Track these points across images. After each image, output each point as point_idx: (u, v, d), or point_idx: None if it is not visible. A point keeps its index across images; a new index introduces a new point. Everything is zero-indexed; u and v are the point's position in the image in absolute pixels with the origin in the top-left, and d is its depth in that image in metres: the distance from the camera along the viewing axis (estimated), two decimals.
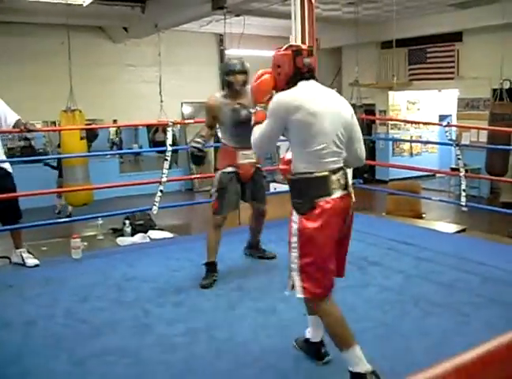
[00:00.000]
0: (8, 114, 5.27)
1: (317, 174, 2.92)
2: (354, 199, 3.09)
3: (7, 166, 5.33)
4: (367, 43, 14.01)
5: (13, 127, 5.30)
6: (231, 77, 4.76)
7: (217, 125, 5.03)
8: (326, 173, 2.92)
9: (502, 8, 10.08)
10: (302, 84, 3.05)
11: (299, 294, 2.98)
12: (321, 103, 2.97)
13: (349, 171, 3.27)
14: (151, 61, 13.41)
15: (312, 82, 3.09)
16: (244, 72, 4.77)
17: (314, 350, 3.35)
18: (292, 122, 2.93)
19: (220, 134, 5.18)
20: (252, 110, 3.47)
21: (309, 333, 3.40)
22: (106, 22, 12.89)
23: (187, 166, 14.45)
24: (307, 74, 3.09)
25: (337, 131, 2.97)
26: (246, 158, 4.88)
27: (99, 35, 13.65)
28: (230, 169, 4.87)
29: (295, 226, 2.96)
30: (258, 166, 5.06)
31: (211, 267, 4.77)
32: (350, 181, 3.08)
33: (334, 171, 2.95)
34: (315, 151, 2.91)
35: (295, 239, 2.96)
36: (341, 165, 3.02)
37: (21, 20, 11.62)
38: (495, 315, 3.89)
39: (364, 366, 2.89)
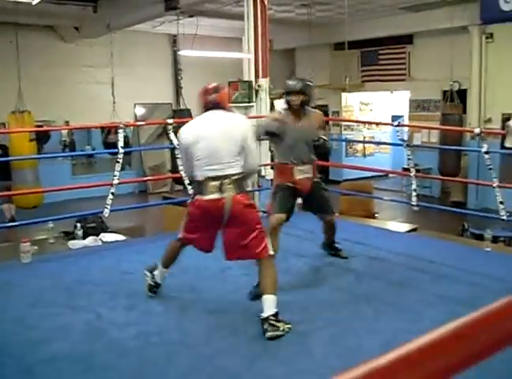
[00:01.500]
0: None
1: (197, 179, 3.98)
2: (236, 202, 3.87)
3: None
4: (320, 44, 14.14)
5: None
6: (288, 97, 4.97)
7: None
8: (203, 179, 3.90)
9: (451, 12, 10.30)
10: (206, 114, 4.08)
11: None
12: (209, 128, 3.97)
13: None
14: (103, 61, 13.22)
15: (215, 112, 4.04)
16: (299, 92, 4.89)
17: None
18: (183, 144, 4.10)
19: (275, 150, 5.40)
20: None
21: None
22: (57, 21, 12.64)
23: (141, 168, 14.32)
24: (210, 106, 4.06)
25: (221, 148, 3.89)
26: (302, 173, 5.01)
27: (50, 35, 13.38)
28: (287, 184, 5.00)
29: None
30: (316, 180, 5.17)
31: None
32: (248, 187, 4.38)
33: (213, 178, 3.86)
34: (197, 163, 3.94)
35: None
36: (225, 173, 3.86)
37: None
38: (444, 312, 3.95)
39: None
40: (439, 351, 0.77)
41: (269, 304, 3.74)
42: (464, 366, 0.78)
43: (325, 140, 4.93)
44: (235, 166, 3.90)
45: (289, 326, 3.72)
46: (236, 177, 3.89)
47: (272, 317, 3.68)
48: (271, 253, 3.94)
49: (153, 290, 4.41)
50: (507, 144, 5.74)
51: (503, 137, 8.24)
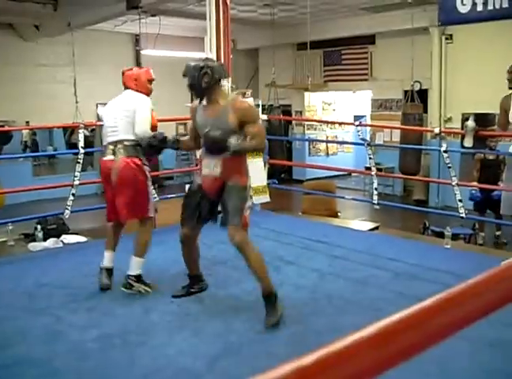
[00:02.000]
0: None
1: (103, 144, 4.75)
2: (121, 162, 4.49)
3: None
4: (283, 44, 14.20)
5: None
6: None
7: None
8: (105, 144, 4.65)
9: (412, 13, 10.45)
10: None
11: None
12: (112, 104, 4.78)
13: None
14: (65, 60, 13.07)
15: (124, 91, 4.80)
16: (184, 76, 4.14)
17: None
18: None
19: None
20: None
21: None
22: (16, 19, 12.43)
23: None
24: (124, 87, 4.81)
25: (117, 118, 4.60)
26: (207, 169, 4.12)
27: (9, 33, 13.15)
28: (198, 182, 4.26)
29: None
30: (231, 183, 4.02)
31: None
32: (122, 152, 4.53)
33: (110, 143, 4.59)
34: (103, 131, 4.77)
35: None
36: (118, 139, 4.54)
37: None
38: (404, 309, 3.99)
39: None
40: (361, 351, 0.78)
41: (133, 265, 4.46)
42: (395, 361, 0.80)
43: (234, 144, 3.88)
44: (126, 134, 4.53)
45: (147, 289, 4.44)
46: (127, 143, 4.53)
47: (132, 277, 4.42)
48: (150, 215, 4.60)
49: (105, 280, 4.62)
50: (465, 144, 5.84)
51: (463, 137, 8.39)
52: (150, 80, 4.87)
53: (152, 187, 4.98)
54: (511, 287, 0.98)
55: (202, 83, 4.00)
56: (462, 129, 9.59)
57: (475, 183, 8.09)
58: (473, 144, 5.82)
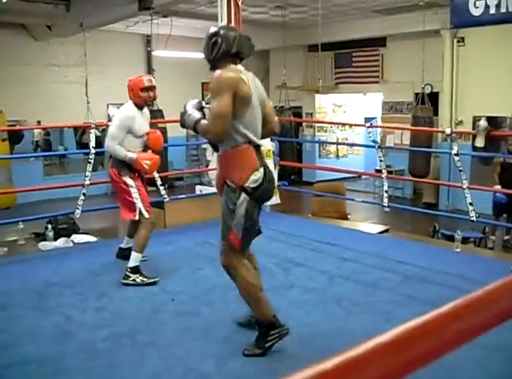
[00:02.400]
0: None
1: None
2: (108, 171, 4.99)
3: None
4: (294, 46, 14.19)
5: None
6: None
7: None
8: None
9: (423, 16, 10.41)
10: None
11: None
12: None
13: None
14: (76, 61, 13.13)
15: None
16: None
17: None
18: None
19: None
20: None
21: None
22: (28, 20, 12.49)
23: None
24: None
25: None
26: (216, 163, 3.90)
27: (22, 33, 13.23)
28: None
29: None
30: (229, 182, 3.40)
31: None
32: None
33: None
34: None
35: None
36: None
37: None
38: (413, 312, 3.93)
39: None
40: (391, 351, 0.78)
41: (131, 258, 4.75)
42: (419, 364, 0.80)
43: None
44: None
45: (144, 279, 4.69)
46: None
47: (129, 269, 4.71)
48: (136, 217, 4.86)
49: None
50: (477, 144, 5.80)
51: (474, 139, 8.34)
52: (144, 89, 4.92)
53: (138, 191, 4.90)
54: None
55: (212, 53, 3.43)
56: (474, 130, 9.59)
57: (498, 187, 8.02)
58: (485, 144, 5.78)
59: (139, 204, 4.85)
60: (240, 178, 3.30)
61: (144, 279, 4.72)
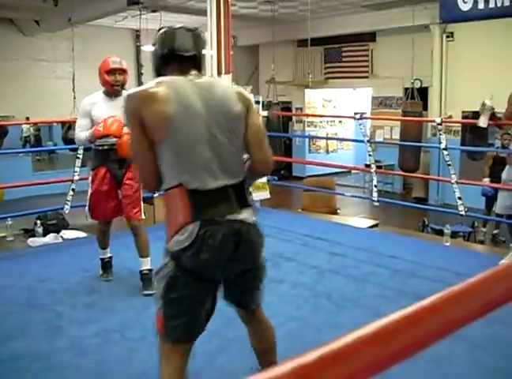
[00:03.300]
0: None
1: None
2: None
3: None
4: (283, 41, 14.18)
5: None
6: None
7: None
8: None
9: (413, 11, 10.43)
10: None
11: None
12: None
13: None
14: (64, 56, 13.06)
15: None
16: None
17: None
18: None
19: None
20: None
21: None
22: (16, 14, 12.41)
23: None
24: None
25: None
26: None
27: (9, 28, 13.13)
28: None
29: None
30: None
31: None
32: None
33: None
34: None
35: None
36: None
37: None
38: (403, 306, 4.00)
39: None
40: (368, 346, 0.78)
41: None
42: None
43: None
44: None
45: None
46: None
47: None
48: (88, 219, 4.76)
49: None
50: (480, 124, 5.76)
51: (464, 132, 8.38)
52: (109, 71, 4.40)
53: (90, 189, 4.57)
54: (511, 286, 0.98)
55: (153, 65, 2.50)
56: (463, 125, 9.64)
57: (486, 180, 8.04)
58: (488, 125, 5.73)
59: (86, 207, 4.62)
60: (169, 235, 2.33)
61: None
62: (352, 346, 0.74)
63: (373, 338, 0.77)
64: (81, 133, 4.34)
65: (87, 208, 4.58)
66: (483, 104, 5.72)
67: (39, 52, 13.40)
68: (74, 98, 10.64)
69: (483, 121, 5.69)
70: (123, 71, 4.44)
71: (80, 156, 6.07)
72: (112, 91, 4.42)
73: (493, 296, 0.93)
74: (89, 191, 4.53)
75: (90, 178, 4.53)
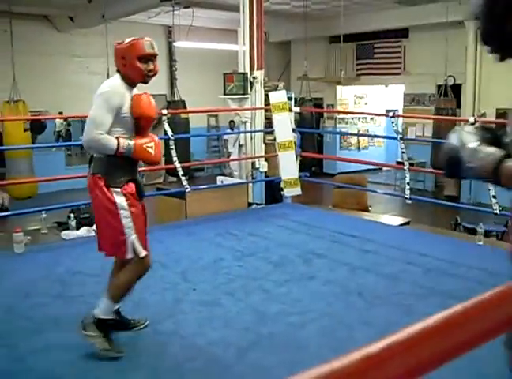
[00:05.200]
0: None
1: None
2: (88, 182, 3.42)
3: None
4: (315, 37, 14.12)
5: None
6: None
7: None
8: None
9: (446, 6, 10.30)
10: None
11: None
12: None
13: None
14: (98, 52, 13.14)
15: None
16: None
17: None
18: None
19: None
20: None
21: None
22: (51, 11, 12.59)
23: None
24: None
25: None
26: None
27: (44, 24, 13.31)
28: None
29: None
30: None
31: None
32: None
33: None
34: None
35: None
36: None
37: None
38: (435, 305, 3.97)
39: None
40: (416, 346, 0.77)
41: (101, 306, 3.40)
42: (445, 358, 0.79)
43: None
44: None
45: (105, 346, 3.29)
46: (96, 155, 3.35)
47: (93, 319, 3.35)
48: (128, 256, 3.35)
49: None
50: None
51: (498, 129, 8.19)
52: (142, 57, 3.41)
53: (130, 215, 3.34)
54: None
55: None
56: (497, 123, 9.47)
57: None
58: None
59: (131, 237, 3.34)
60: None
61: (106, 346, 3.31)
62: (389, 350, 0.73)
63: (411, 341, 0.75)
64: (107, 138, 3.26)
65: (135, 237, 3.36)
66: None
67: (73, 48, 13.56)
68: None
69: None
70: (155, 57, 3.52)
71: None
72: (141, 82, 3.48)
73: None
74: (129, 216, 3.34)
75: (120, 199, 3.32)
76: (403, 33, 13.67)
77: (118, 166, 3.33)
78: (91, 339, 3.31)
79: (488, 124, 10.11)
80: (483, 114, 11.80)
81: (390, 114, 6.93)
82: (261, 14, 7.74)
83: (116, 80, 3.40)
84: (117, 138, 3.27)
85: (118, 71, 3.46)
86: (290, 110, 7.30)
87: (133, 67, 3.38)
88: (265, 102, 7.71)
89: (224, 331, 3.65)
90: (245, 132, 7.90)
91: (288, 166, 7.05)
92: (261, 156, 7.72)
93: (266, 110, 7.73)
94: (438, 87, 11.57)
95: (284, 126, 7.08)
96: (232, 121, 7.90)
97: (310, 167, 11.90)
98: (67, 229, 6.59)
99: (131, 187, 3.39)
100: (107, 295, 3.40)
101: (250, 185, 7.71)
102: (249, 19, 7.63)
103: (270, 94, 7.41)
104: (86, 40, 13.49)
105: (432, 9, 11.39)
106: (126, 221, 3.32)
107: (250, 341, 3.49)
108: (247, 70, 7.70)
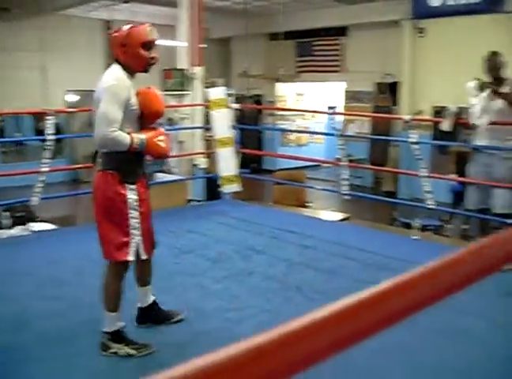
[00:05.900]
0: None
1: None
2: (95, 178, 3.33)
3: None
4: (256, 34, 14.17)
5: None
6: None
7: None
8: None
9: (385, 6, 10.50)
10: None
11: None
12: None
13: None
14: (34, 46, 12.85)
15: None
16: None
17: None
18: None
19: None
20: None
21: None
22: None
23: (72, 156, 13.99)
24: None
25: (94, 113, 3.26)
26: None
27: None
28: None
29: None
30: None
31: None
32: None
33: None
34: None
35: None
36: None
37: None
38: None
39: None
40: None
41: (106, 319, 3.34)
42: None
43: None
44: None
45: (131, 351, 3.29)
46: (103, 150, 3.28)
47: (107, 335, 3.31)
48: (120, 258, 3.26)
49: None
50: (443, 128, 5.84)
51: (435, 127, 8.42)
52: (146, 44, 3.29)
53: (139, 217, 3.31)
54: (469, 271, 1.00)
55: None
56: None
57: (453, 175, 8.10)
58: (453, 129, 5.80)
59: (136, 239, 3.30)
60: None
61: (132, 352, 3.30)
62: (306, 329, 0.74)
63: (328, 320, 0.77)
64: (121, 134, 3.17)
65: (139, 240, 3.33)
66: (447, 109, 5.84)
67: (6, 41, 13.12)
68: (45, 88, 10.46)
69: (446, 126, 5.79)
70: (155, 45, 3.39)
71: (49, 148, 5.94)
72: (141, 72, 3.36)
73: (449, 280, 0.94)
74: (137, 218, 3.29)
75: (133, 196, 3.28)
76: (342, 31, 13.84)
77: (131, 160, 3.29)
78: (119, 352, 3.29)
79: (424, 122, 10.38)
80: (420, 112, 12.07)
81: (330, 111, 7.01)
82: (201, 10, 7.71)
83: (118, 72, 3.27)
84: (129, 134, 3.21)
85: (117, 61, 3.32)
86: (228, 106, 7.28)
87: (136, 55, 3.27)
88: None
89: (162, 328, 3.62)
90: (184, 128, 7.86)
91: (227, 163, 7.03)
92: (201, 153, 7.70)
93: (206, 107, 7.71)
94: (377, 85, 11.79)
95: (223, 123, 7.06)
96: (170, 118, 7.85)
97: (250, 164, 11.96)
98: (0, 228, 6.42)
99: (144, 184, 3.42)
100: (104, 309, 3.34)
101: (190, 181, 7.68)
102: (189, 15, 7.59)
103: (209, 90, 7.38)
104: (21, 34, 13.11)
105: (370, 8, 11.59)
106: (134, 222, 3.28)
107: (188, 338, 3.48)
108: (187, 67, 7.67)
